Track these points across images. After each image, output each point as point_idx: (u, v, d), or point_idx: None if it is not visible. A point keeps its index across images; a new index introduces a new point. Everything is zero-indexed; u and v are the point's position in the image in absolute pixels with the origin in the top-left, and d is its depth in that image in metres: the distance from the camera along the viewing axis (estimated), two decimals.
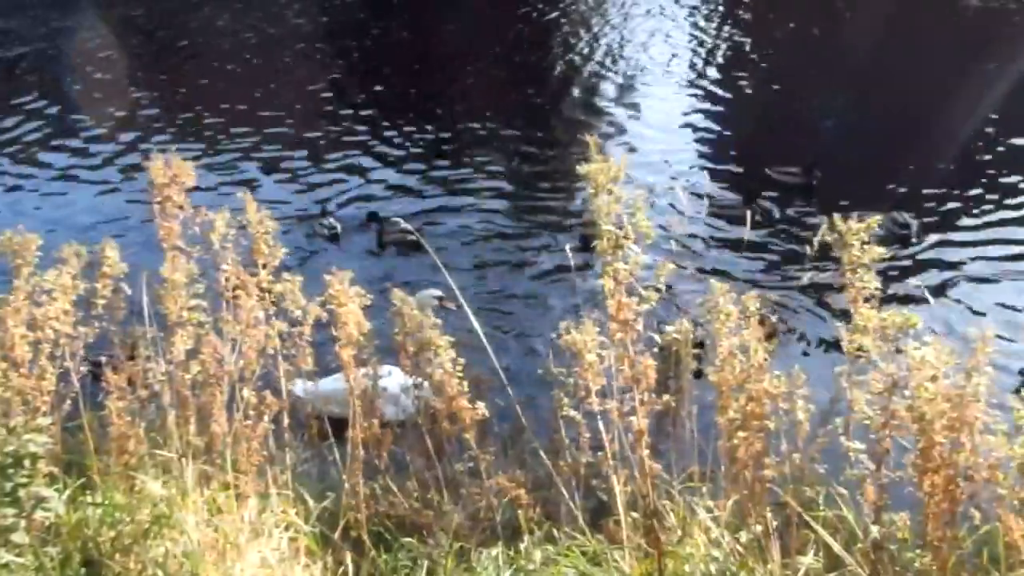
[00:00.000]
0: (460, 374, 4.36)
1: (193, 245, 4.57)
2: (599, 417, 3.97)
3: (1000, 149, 12.50)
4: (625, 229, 3.78)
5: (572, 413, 4.02)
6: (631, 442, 3.95)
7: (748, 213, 9.61)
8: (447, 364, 4.34)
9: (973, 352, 3.25)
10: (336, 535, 4.14)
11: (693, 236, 10.50)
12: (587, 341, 3.92)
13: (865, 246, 3.66)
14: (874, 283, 3.65)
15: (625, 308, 3.82)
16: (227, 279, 4.50)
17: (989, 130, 13.02)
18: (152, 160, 4.60)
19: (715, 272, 9.49)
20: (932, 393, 3.22)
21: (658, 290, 3.87)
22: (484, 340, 4.66)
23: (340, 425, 4.63)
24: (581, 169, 3.83)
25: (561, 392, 4.05)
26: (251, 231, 4.51)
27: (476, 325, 4.68)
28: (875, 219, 3.71)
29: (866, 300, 3.64)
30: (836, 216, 3.75)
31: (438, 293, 7.53)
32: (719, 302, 3.91)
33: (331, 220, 11.32)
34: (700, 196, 11.42)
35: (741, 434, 3.79)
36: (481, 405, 4.37)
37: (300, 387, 4.90)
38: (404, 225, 5.77)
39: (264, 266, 4.50)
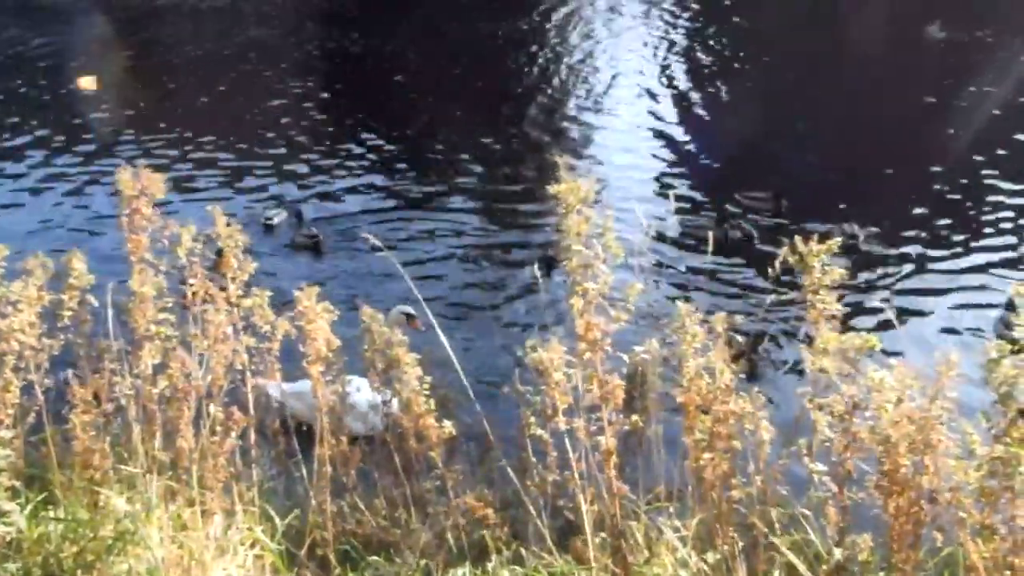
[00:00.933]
0: (427, 392, 4.35)
1: (161, 257, 4.54)
2: (566, 436, 3.98)
3: (965, 172, 12.74)
4: (594, 249, 3.81)
5: (540, 432, 4.02)
6: (598, 461, 3.96)
7: (711, 235, 9.69)
8: (414, 383, 4.33)
9: (937, 375, 3.29)
10: (302, 553, 4.11)
11: (660, 256, 10.57)
12: (554, 359, 3.92)
13: (826, 267, 3.70)
14: (836, 304, 3.69)
15: (594, 328, 3.84)
16: (194, 293, 4.47)
17: (954, 154, 13.26)
18: (121, 172, 4.56)
19: (681, 292, 9.57)
20: (897, 415, 3.26)
21: (628, 311, 3.90)
22: (453, 357, 4.65)
23: (308, 441, 4.60)
24: (552, 189, 3.86)
25: (528, 411, 4.05)
26: (221, 245, 4.49)
27: (444, 341, 4.68)
28: (835, 241, 3.75)
29: (828, 320, 3.68)
30: (797, 238, 3.79)
31: (408, 310, 7.50)
32: (686, 323, 3.94)
33: (272, 212, 11.84)
34: (667, 218, 11.50)
35: (707, 455, 3.82)
36: (448, 424, 4.37)
37: (274, 388, 4.85)
38: (374, 241, 5.70)
39: (233, 280, 4.47)
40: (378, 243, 5.99)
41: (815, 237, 3.76)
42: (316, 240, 11.24)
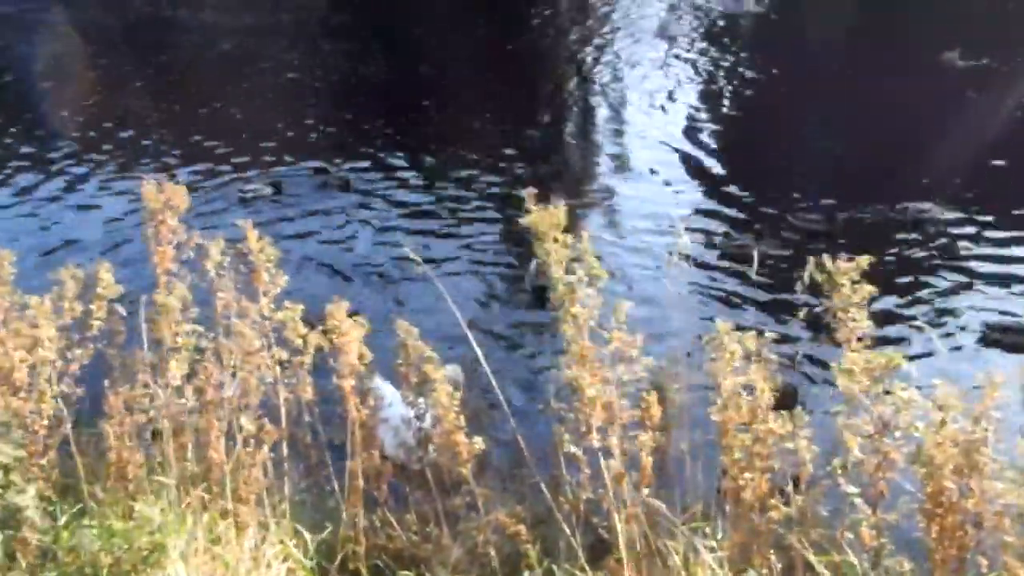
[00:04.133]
0: (457, 407, 4.31)
1: (191, 270, 4.54)
2: (600, 454, 3.94)
3: (997, 187, 12.75)
4: (577, 274, 3.79)
5: (573, 449, 3.98)
6: (635, 480, 3.93)
7: (755, 253, 9.67)
8: (444, 399, 4.30)
9: (981, 395, 3.25)
10: (334, 567, 4.09)
11: (702, 274, 10.59)
12: (587, 376, 3.89)
13: (855, 285, 3.65)
14: (866, 322, 3.63)
15: (589, 352, 3.81)
16: (225, 306, 4.48)
17: (982, 168, 13.30)
18: (145, 185, 4.57)
19: (723, 310, 9.57)
20: (941, 437, 3.21)
21: (620, 330, 3.86)
22: (489, 372, 4.62)
23: (339, 455, 4.57)
24: (523, 221, 3.86)
25: (563, 428, 4.01)
26: (252, 259, 4.49)
27: (481, 356, 4.65)
28: (865, 258, 3.69)
29: (859, 339, 3.63)
30: (825, 256, 3.74)
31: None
32: (724, 340, 3.90)
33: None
34: (705, 237, 11.55)
35: (747, 475, 3.77)
36: (478, 439, 4.33)
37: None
38: (415, 257, 5.62)
39: (265, 294, 4.48)
40: (418, 259, 5.93)
41: (842, 256, 3.71)
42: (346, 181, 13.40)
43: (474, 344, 4.67)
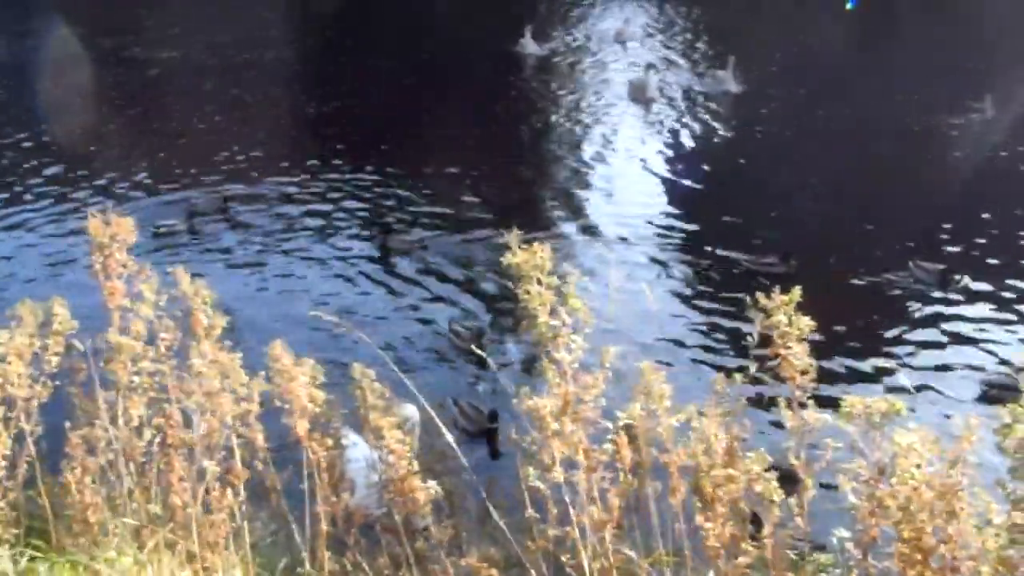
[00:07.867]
0: (410, 453, 4.23)
1: (139, 303, 4.42)
2: (565, 490, 3.89)
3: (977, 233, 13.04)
4: (560, 317, 3.75)
5: (538, 484, 3.91)
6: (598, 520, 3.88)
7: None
8: (394, 444, 4.22)
9: (957, 439, 3.27)
10: None
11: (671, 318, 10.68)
12: (548, 407, 3.81)
13: (792, 318, 3.63)
14: (807, 357, 3.62)
15: (572, 398, 3.77)
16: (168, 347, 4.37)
17: (963, 215, 13.75)
18: (91, 219, 4.46)
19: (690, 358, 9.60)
20: (918, 481, 3.22)
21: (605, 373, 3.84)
22: (435, 416, 4.56)
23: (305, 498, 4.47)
24: (505, 260, 3.82)
25: (526, 462, 3.93)
26: (189, 303, 4.37)
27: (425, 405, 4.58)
28: (797, 291, 3.64)
29: (803, 373, 3.63)
30: (759, 293, 3.73)
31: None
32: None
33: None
34: (676, 280, 11.68)
35: (709, 525, 3.73)
36: (432, 483, 4.25)
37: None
38: (329, 318, 5.38)
39: (207, 336, 4.34)
40: (334, 319, 5.78)
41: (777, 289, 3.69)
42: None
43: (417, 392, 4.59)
